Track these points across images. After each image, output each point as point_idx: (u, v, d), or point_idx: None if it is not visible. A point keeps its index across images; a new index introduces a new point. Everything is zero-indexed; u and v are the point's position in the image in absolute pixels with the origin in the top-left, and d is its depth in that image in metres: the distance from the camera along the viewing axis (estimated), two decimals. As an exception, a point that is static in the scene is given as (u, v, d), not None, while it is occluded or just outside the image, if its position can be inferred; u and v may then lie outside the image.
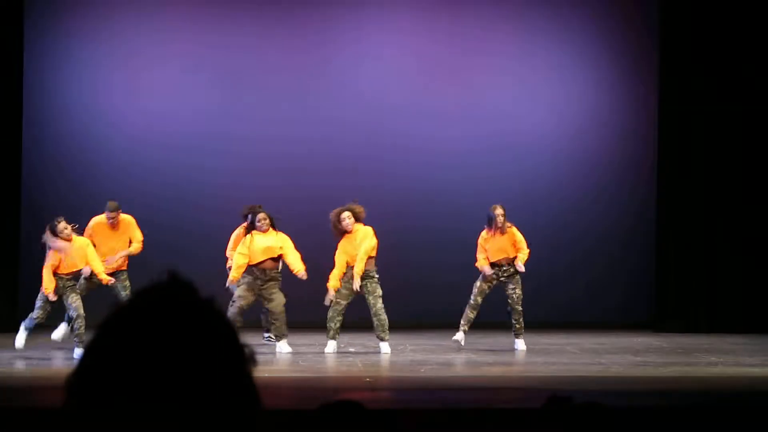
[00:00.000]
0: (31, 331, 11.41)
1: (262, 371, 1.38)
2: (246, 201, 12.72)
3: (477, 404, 8.34)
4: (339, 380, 10.20)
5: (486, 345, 12.56)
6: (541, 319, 14.08)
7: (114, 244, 12.24)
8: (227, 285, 11.80)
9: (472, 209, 13.49)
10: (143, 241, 12.37)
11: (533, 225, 14.64)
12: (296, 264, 11.80)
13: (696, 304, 14.70)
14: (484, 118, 15.16)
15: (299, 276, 11.75)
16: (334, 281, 11.89)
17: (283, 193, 14.40)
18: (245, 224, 12.14)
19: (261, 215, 11.96)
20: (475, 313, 12.19)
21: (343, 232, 11.95)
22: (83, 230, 11.89)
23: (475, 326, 12.38)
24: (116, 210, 12.29)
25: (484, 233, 12.30)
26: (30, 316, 11.36)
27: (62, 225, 11.34)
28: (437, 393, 8.94)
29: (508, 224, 12.26)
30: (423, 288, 14.65)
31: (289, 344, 11.92)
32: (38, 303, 11.32)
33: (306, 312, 12.89)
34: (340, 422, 3.27)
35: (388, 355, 11.73)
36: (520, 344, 12.29)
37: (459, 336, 12.16)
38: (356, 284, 11.79)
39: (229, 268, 12.05)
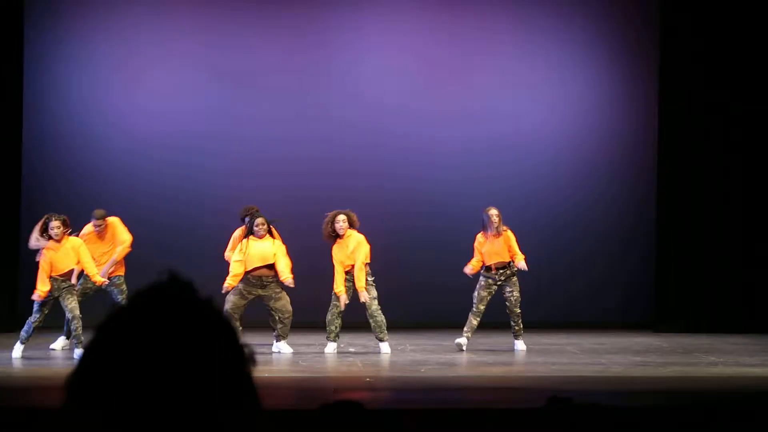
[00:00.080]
0: (30, 337, 11.36)
1: (262, 371, 1.38)
2: (246, 201, 12.72)
3: (477, 404, 8.35)
4: (339, 380, 10.20)
5: (486, 345, 12.56)
6: (541, 319, 14.08)
7: (105, 249, 12.15)
8: (223, 291, 11.74)
9: (473, 209, 13.46)
10: (132, 242, 12.24)
11: (533, 225, 14.66)
12: (285, 272, 11.71)
13: (696, 304, 14.69)
14: (484, 118, 15.16)
15: (286, 283, 11.73)
16: (340, 286, 11.88)
17: (282, 193, 14.41)
18: (245, 226, 12.11)
19: (259, 220, 11.88)
20: (478, 320, 12.18)
21: (334, 235, 11.92)
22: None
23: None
24: (103, 218, 12.13)
25: (480, 236, 12.28)
26: (28, 320, 11.28)
27: (55, 223, 11.22)
28: (437, 393, 8.95)
29: (504, 227, 12.23)
30: (423, 288, 14.65)
31: (289, 344, 11.92)
32: (35, 306, 11.28)
33: (306, 312, 12.88)
34: (340, 422, 3.27)
35: (388, 355, 11.73)
36: (520, 345, 12.29)
37: (462, 340, 12.15)
38: (363, 297, 11.79)
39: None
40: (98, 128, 14.79)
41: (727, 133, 14.67)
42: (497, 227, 12.16)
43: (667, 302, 14.84)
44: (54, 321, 11.84)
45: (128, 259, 12.32)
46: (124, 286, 12.10)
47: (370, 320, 11.88)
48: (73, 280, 11.43)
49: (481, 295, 12.17)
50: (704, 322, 14.54)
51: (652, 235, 15.11)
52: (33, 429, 6.38)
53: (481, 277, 12.26)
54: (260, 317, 12.40)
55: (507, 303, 12.21)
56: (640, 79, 15.29)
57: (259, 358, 1.35)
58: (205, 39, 14.89)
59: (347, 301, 11.87)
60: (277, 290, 11.80)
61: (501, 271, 12.18)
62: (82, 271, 11.60)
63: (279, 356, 11.63)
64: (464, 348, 12.11)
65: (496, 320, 12.66)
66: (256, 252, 11.76)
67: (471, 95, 15.17)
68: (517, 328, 12.27)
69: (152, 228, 14.19)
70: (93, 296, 11.98)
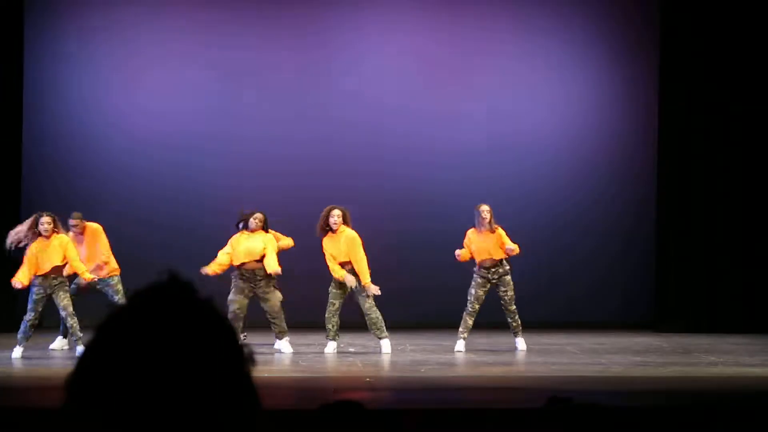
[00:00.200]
0: (29, 338, 11.34)
1: (262, 371, 1.38)
2: (246, 201, 12.72)
3: (477, 404, 8.35)
4: (339, 380, 10.20)
5: (486, 345, 12.56)
6: (541, 319, 14.08)
7: (87, 252, 12.08)
8: (202, 272, 11.65)
9: (473, 209, 13.46)
10: (109, 253, 12.18)
11: (533, 225, 14.66)
12: (271, 264, 11.77)
13: (696, 304, 14.69)
14: (484, 119, 15.16)
15: (273, 274, 11.75)
16: (339, 272, 11.89)
17: (282, 193, 14.41)
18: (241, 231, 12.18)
19: (258, 215, 11.99)
20: (473, 319, 12.18)
21: (326, 229, 11.98)
22: None
23: (475, 326, 12.36)
24: (79, 219, 12.09)
25: (470, 232, 12.29)
26: (24, 319, 11.27)
27: (45, 219, 11.22)
28: (437, 393, 8.95)
29: (496, 225, 12.24)
30: (423, 288, 14.65)
31: (290, 344, 11.92)
32: (30, 305, 11.27)
33: (306, 312, 12.89)
34: (340, 422, 3.27)
35: (389, 354, 11.73)
36: (521, 343, 12.28)
37: (460, 346, 12.13)
38: (372, 290, 11.79)
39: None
40: (98, 128, 14.79)
41: (727, 133, 14.67)
42: (489, 223, 12.16)
43: (667, 302, 14.84)
44: (54, 321, 11.84)
45: (128, 259, 12.32)
46: (119, 286, 12.09)
47: (366, 318, 11.88)
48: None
49: (477, 294, 12.16)
50: (704, 322, 14.54)
51: (652, 235, 15.11)
52: (33, 429, 6.38)
53: (474, 275, 12.26)
54: (260, 317, 12.41)
55: (501, 302, 12.23)
56: (640, 79, 15.29)
57: (259, 358, 1.34)
58: (205, 39, 14.89)
59: (356, 283, 11.84)
60: (267, 290, 11.85)
61: (493, 270, 12.18)
62: (74, 273, 11.55)
63: (279, 356, 11.63)
64: (463, 350, 12.10)
65: (495, 320, 12.65)
66: (243, 248, 11.88)
67: (471, 95, 15.17)
68: (515, 324, 12.26)
69: (152, 228, 14.19)
70: (84, 297, 11.89)
